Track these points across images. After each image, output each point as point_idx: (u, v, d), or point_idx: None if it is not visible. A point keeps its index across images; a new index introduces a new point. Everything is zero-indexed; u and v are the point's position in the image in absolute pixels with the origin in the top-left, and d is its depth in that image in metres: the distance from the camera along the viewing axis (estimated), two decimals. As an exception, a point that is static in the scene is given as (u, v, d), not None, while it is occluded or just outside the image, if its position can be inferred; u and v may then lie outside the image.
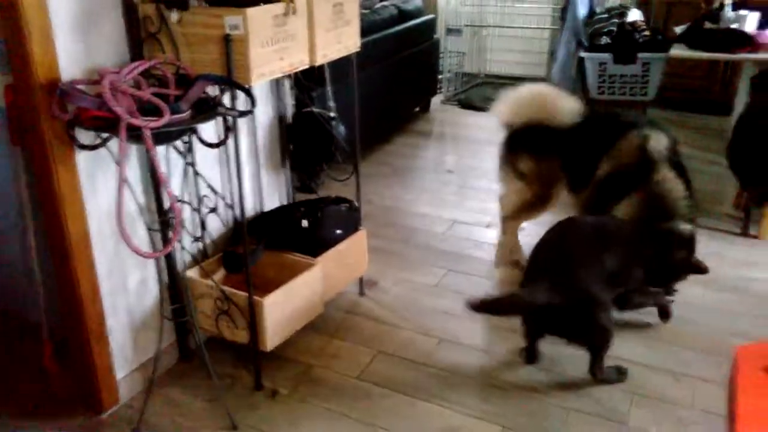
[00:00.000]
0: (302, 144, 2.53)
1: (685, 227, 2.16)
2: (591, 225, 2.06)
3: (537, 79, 5.52)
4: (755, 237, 2.98)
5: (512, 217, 2.71)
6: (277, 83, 2.40)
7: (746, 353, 0.60)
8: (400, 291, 2.59)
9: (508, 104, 2.59)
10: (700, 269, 2.21)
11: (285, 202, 2.54)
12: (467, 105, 5.12)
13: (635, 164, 2.23)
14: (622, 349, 2.15)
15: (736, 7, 3.35)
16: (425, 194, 3.51)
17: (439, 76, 5.07)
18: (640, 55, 3.32)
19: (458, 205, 3.38)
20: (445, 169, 3.93)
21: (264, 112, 2.37)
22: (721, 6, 3.36)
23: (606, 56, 3.36)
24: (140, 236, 1.92)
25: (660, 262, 2.13)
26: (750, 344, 0.62)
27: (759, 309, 2.46)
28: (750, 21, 3.23)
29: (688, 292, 2.52)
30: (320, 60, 1.96)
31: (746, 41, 3.15)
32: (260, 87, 2.31)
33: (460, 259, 2.85)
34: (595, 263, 1.94)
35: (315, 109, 2.49)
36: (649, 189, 2.19)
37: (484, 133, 4.55)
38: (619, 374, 2.04)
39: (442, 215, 3.24)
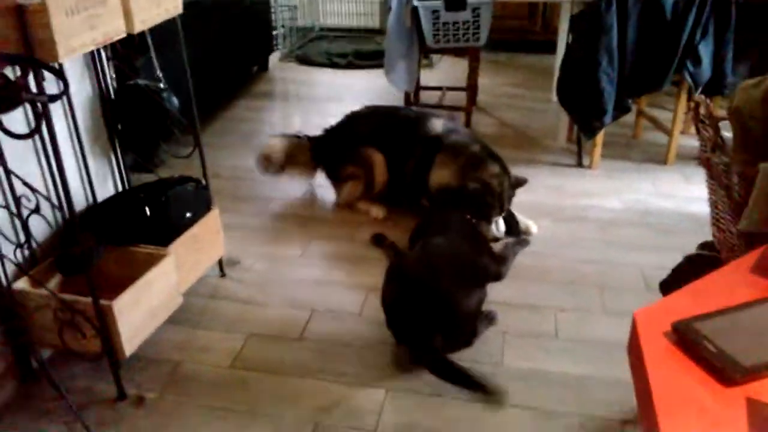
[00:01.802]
0: (131, 121, 2.27)
1: (492, 166, 2.58)
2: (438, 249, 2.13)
3: (372, 30, 5.52)
4: (589, 167, 3.22)
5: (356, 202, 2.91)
6: (92, 55, 2.11)
7: (644, 317, 0.60)
8: (263, 267, 2.48)
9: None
10: (520, 181, 2.63)
11: (120, 189, 2.29)
12: (306, 61, 4.97)
13: (427, 147, 2.72)
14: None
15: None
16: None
17: (274, 32, 4.85)
18: (470, 0, 3.36)
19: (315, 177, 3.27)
20: (294, 131, 3.79)
21: (81, 90, 2.09)
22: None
23: (438, 4, 3.36)
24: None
25: (486, 192, 2.48)
26: (646, 307, 0.62)
27: (599, 234, 2.66)
28: (564, -38, 3.40)
29: (537, 224, 2.68)
30: (138, 27, 1.73)
31: (563, -18, 3.31)
32: (72, 62, 2.02)
33: (323, 224, 2.78)
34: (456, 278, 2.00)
35: (141, 81, 2.24)
36: (448, 155, 2.66)
37: (326, 90, 4.45)
38: (489, 321, 2.11)
39: (298, 180, 3.12)
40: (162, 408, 1.84)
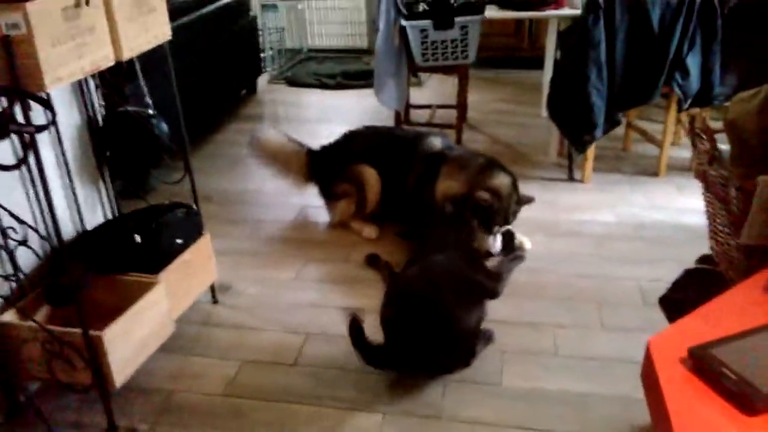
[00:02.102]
0: (120, 148, 2.25)
1: (503, 176, 2.60)
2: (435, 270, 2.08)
3: (360, 50, 5.54)
4: (581, 181, 3.21)
5: (351, 219, 2.88)
6: (80, 83, 2.09)
7: (659, 344, 0.57)
8: (257, 291, 2.44)
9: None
10: (527, 199, 2.65)
11: (110, 217, 2.26)
12: (295, 82, 4.97)
13: (430, 162, 2.73)
14: (484, 310, 2.22)
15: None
16: (268, 182, 3.32)
17: (262, 55, 4.86)
18: (458, 19, 3.38)
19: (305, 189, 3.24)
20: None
21: (69, 118, 2.06)
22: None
23: (426, 23, 3.37)
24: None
25: (499, 207, 2.52)
26: (660, 333, 0.60)
27: (594, 248, 2.65)
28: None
29: (532, 240, 2.66)
30: (127, 54, 1.71)
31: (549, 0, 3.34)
32: (60, 90, 2.00)
33: (317, 246, 2.75)
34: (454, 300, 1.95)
35: (130, 108, 2.21)
36: (454, 166, 2.68)
37: (316, 111, 4.45)
38: (487, 340, 2.08)
39: (290, 202, 3.10)
40: (155, 440, 1.79)
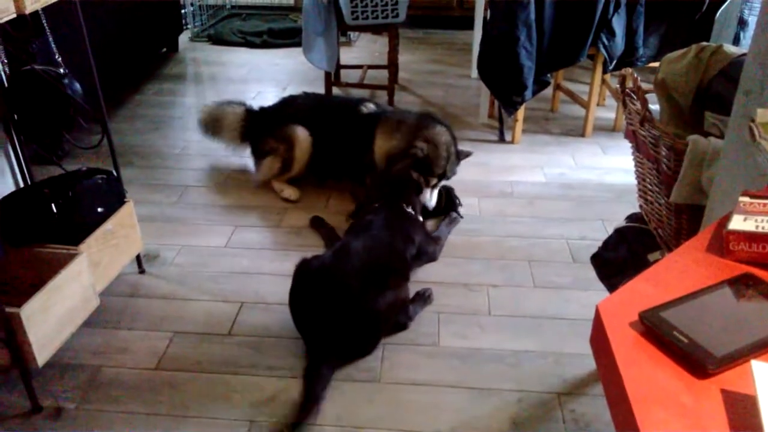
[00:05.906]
0: (29, 110, 2.08)
1: (438, 127, 2.63)
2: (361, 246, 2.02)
3: (287, 7, 5.35)
4: (511, 142, 3.25)
5: (274, 179, 2.82)
6: (-22, 38, 1.91)
7: (608, 308, 0.57)
8: (186, 260, 2.35)
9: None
10: (465, 153, 2.71)
11: (22, 185, 2.10)
12: (218, 40, 4.77)
13: (366, 124, 2.73)
14: (418, 273, 2.23)
15: None
16: (192, 145, 3.20)
17: (183, 11, 4.61)
18: (387, -24, 3.30)
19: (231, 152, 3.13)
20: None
21: (-32, 77, 1.89)
22: None
23: (355, -21, 3.28)
24: None
25: (435, 155, 2.52)
26: (608, 297, 0.59)
27: (524, 209, 2.70)
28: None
29: (465, 203, 2.68)
30: (30, 7, 1.56)
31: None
32: (-46, 46, 1.82)
33: (247, 211, 2.67)
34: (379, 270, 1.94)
35: (38, 67, 2.05)
36: (389, 125, 2.69)
37: (242, 71, 4.29)
38: (425, 301, 2.09)
39: (217, 166, 2.99)
40: (82, 418, 1.71)
